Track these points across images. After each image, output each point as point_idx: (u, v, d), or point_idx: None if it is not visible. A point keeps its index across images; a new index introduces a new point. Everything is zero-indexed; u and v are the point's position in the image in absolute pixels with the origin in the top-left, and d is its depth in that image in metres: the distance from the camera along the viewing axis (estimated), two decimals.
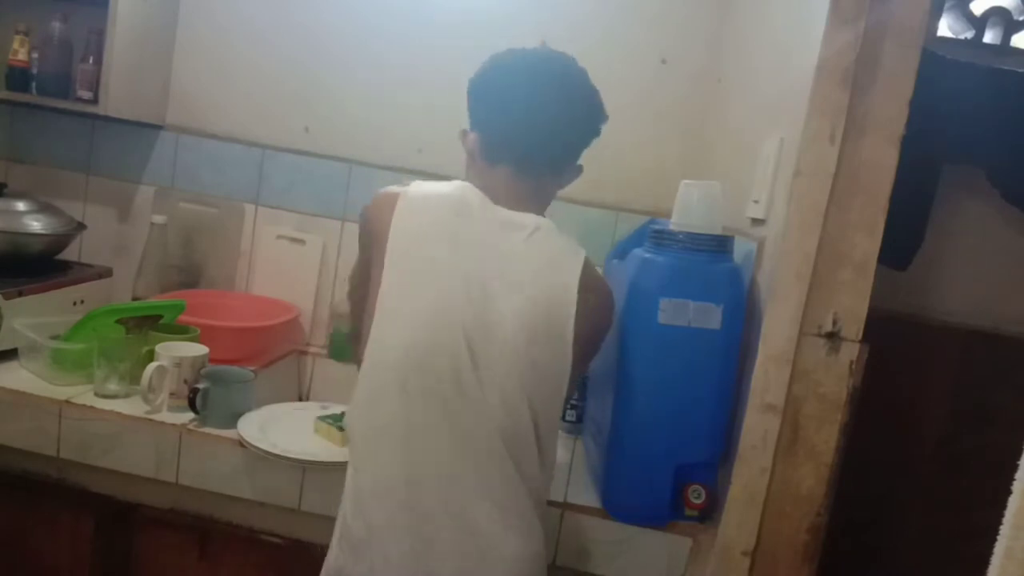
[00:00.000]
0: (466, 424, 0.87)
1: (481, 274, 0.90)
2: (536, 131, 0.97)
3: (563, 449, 1.33)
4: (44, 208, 1.49)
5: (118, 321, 1.28)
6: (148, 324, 1.31)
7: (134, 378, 1.23)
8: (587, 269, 0.93)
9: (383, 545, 0.88)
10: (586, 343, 0.94)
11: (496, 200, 0.96)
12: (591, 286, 0.92)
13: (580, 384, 1.41)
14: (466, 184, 0.98)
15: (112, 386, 1.23)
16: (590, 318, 0.92)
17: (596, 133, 1.02)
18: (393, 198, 0.95)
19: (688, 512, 1.08)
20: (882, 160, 0.93)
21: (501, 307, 0.88)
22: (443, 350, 0.87)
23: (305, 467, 1.12)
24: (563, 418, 1.43)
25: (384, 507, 0.88)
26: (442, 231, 0.92)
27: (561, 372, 0.91)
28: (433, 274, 0.90)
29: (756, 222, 1.12)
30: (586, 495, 1.14)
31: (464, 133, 1.02)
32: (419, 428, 0.88)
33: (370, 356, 0.91)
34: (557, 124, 0.98)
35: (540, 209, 1.01)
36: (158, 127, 1.72)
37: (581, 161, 1.04)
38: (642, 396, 1.04)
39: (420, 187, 0.97)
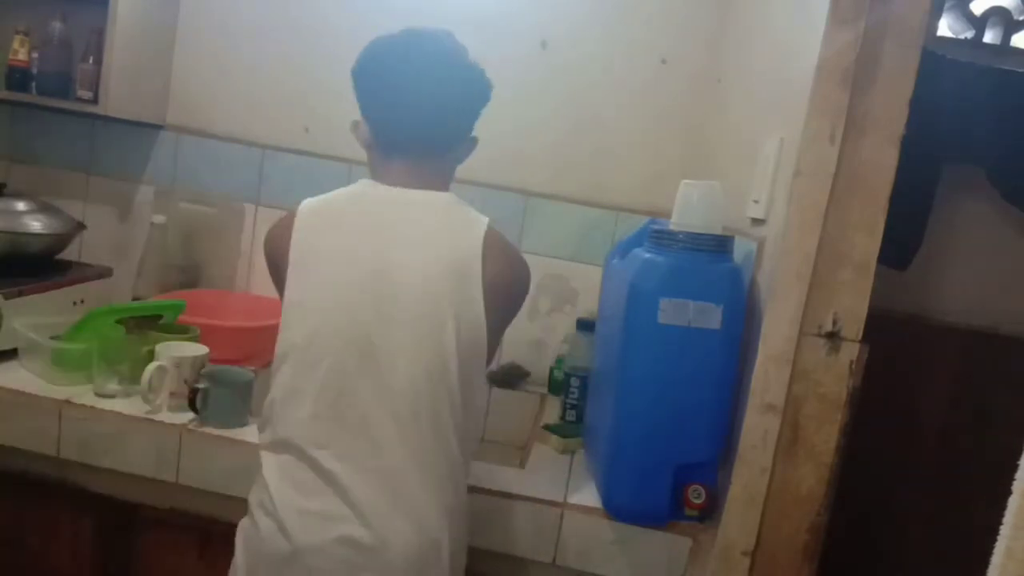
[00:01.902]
0: (377, 399, 0.89)
1: (380, 248, 0.92)
2: (419, 116, 0.99)
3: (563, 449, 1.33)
4: (44, 208, 1.49)
5: (118, 321, 1.28)
6: (148, 324, 1.31)
7: (134, 378, 1.23)
8: (492, 234, 0.96)
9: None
10: (497, 305, 0.95)
11: (398, 182, 0.98)
12: (497, 248, 0.95)
13: (580, 384, 1.41)
14: (362, 180, 1.00)
15: (112, 386, 1.23)
16: (498, 279, 0.94)
17: (484, 101, 1.03)
18: (289, 219, 0.97)
19: (688, 512, 1.08)
20: (882, 160, 0.93)
21: (404, 277, 0.91)
22: (345, 332, 0.90)
23: None
24: (563, 417, 1.43)
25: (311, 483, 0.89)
26: (334, 224, 0.95)
27: (476, 332, 0.93)
28: (329, 263, 0.93)
29: (756, 222, 1.12)
30: (586, 495, 1.14)
31: (356, 124, 1.04)
32: (335, 409, 0.89)
33: (279, 354, 0.93)
34: (438, 105, 0.99)
35: (444, 186, 1.03)
36: (158, 127, 1.72)
37: (475, 133, 1.05)
38: (642, 396, 1.04)
39: (311, 200, 0.99)
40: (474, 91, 1.02)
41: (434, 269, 0.91)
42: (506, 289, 0.96)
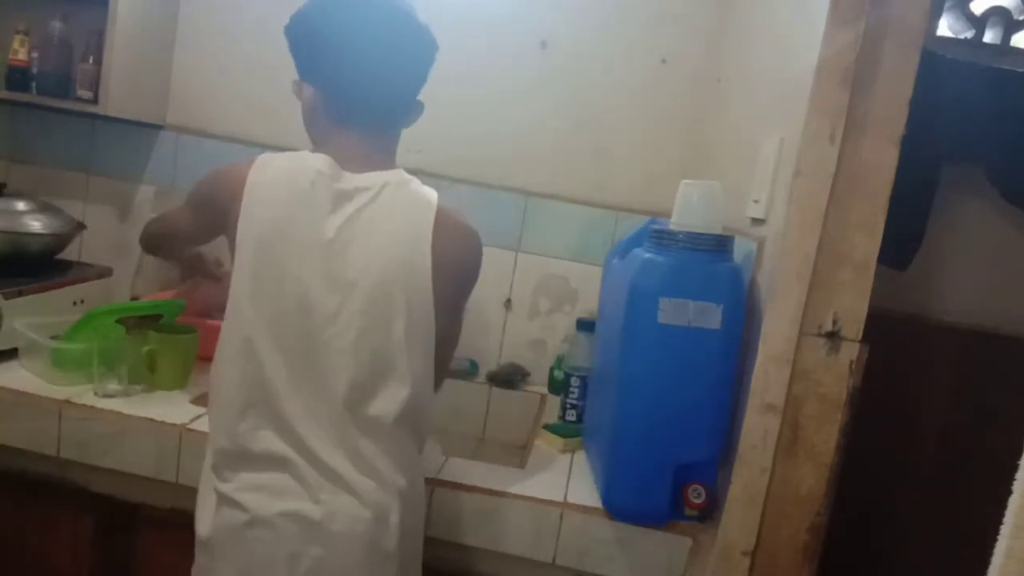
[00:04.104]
0: (322, 390, 0.90)
1: (333, 241, 0.90)
2: (377, 82, 0.95)
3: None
4: (44, 208, 1.49)
5: (118, 321, 1.28)
6: (148, 324, 1.31)
7: (134, 378, 1.23)
8: (441, 214, 0.94)
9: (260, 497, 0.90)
10: (451, 286, 0.95)
11: (346, 163, 0.94)
12: (446, 229, 0.93)
13: (580, 384, 1.41)
14: (316, 157, 0.94)
15: (112, 386, 1.23)
16: (447, 261, 0.93)
17: (433, 63, 1.00)
18: (242, 176, 0.93)
19: (688, 512, 1.08)
20: (882, 160, 0.93)
21: (355, 273, 0.90)
22: (294, 326, 0.90)
23: None
24: (563, 417, 1.43)
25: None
26: (291, 211, 0.91)
27: (426, 322, 0.92)
28: (282, 253, 0.90)
29: (756, 222, 1.12)
30: (586, 495, 1.14)
31: (298, 85, 0.99)
32: (281, 399, 0.90)
33: (225, 338, 0.93)
34: (395, 69, 0.96)
35: (391, 158, 1.01)
36: (158, 127, 1.72)
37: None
38: (642, 396, 1.04)
39: (267, 167, 0.93)
40: (427, 52, 0.98)
41: (384, 264, 0.90)
42: (455, 268, 0.95)
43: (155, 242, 1.20)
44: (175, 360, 1.29)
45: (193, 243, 1.19)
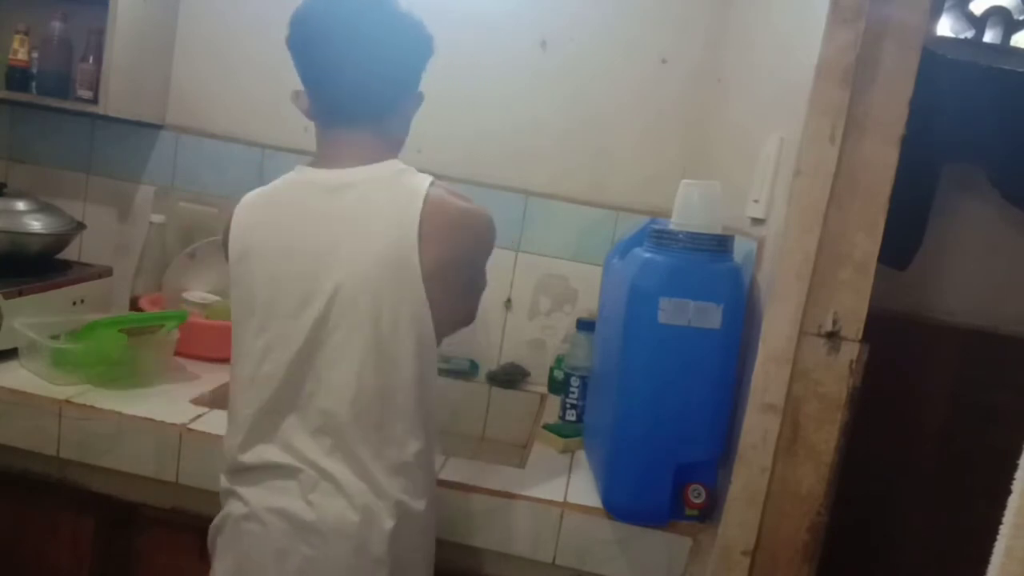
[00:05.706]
0: (318, 397, 0.91)
1: (315, 245, 0.91)
2: (351, 76, 0.94)
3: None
4: (44, 208, 1.49)
5: (120, 330, 1.28)
6: (150, 331, 1.31)
7: (134, 380, 1.23)
8: (434, 204, 0.91)
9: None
10: (451, 271, 0.93)
11: (337, 162, 0.95)
12: (438, 217, 0.91)
13: (580, 384, 1.41)
14: (298, 167, 0.98)
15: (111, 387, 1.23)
16: (452, 252, 0.92)
17: (423, 53, 0.99)
18: (229, 218, 0.98)
19: (688, 512, 1.08)
20: (882, 160, 0.93)
21: (338, 274, 0.90)
22: (285, 332, 0.92)
23: None
24: (563, 417, 1.43)
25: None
26: (269, 220, 0.95)
27: (419, 321, 0.90)
28: (265, 262, 0.93)
29: (756, 222, 1.12)
30: (586, 495, 1.14)
31: (296, 94, 1.00)
32: (277, 405, 0.92)
33: (232, 348, 0.98)
34: (370, 61, 0.94)
35: (391, 151, 0.99)
36: (158, 127, 1.72)
37: (421, 88, 1.02)
38: (642, 396, 1.04)
39: (251, 194, 0.99)
40: (408, 41, 0.97)
41: (368, 262, 0.89)
42: (460, 256, 0.94)
43: None
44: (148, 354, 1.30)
45: None
